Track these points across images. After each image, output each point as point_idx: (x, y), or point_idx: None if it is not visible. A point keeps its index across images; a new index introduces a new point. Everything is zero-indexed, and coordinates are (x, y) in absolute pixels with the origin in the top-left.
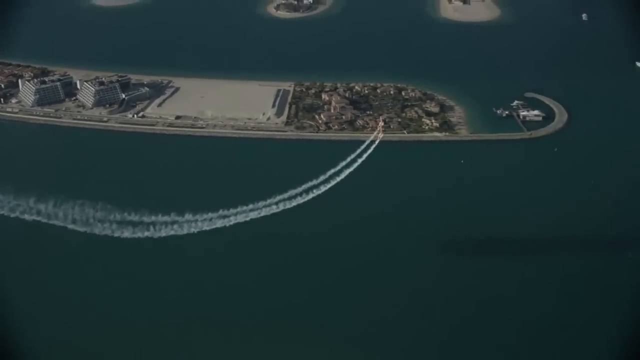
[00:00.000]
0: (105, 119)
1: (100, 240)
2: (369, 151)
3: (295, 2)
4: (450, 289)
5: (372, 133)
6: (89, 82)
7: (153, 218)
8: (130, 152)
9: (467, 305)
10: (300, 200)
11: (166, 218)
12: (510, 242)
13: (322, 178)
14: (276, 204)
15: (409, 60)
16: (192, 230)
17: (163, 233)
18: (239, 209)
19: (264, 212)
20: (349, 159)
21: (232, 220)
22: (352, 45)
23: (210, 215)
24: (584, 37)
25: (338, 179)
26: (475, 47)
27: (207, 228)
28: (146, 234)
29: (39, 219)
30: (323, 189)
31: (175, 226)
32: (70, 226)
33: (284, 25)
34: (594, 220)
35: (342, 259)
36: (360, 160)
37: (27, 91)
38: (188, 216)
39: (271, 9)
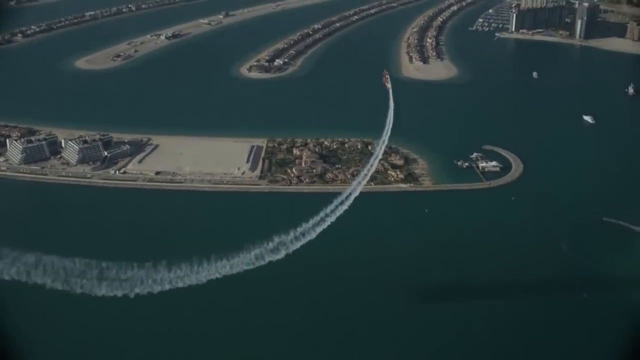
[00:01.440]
0: (88, 175)
1: (79, 298)
2: (348, 203)
3: (267, 64)
4: (406, 335)
5: (343, 185)
6: (73, 141)
7: (129, 273)
8: (112, 206)
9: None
10: (273, 256)
11: (142, 273)
12: (474, 287)
13: (293, 233)
14: (251, 259)
15: (375, 116)
16: (167, 287)
17: (140, 289)
18: (212, 266)
19: (237, 269)
20: (322, 214)
21: (204, 278)
22: (320, 103)
23: (184, 271)
24: (535, 93)
25: (313, 234)
26: (436, 104)
27: (182, 285)
28: (122, 292)
29: (18, 278)
30: (297, 244)
31: (150, 281)
32: (49, 284)
33: (256, 85)
34: (550, 263)
35: (315, 311)
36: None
37: (14, 150)
38: (164, 272)
39: (244, 71)
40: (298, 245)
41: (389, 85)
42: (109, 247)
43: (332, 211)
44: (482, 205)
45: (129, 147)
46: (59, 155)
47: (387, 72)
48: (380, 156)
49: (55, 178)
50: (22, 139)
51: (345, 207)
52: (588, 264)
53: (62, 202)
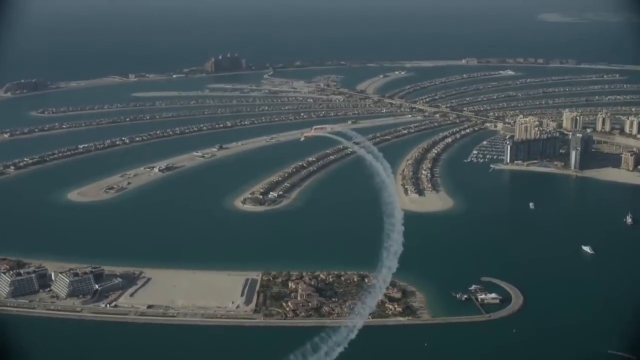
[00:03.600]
0: (78, 308)
1: None
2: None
3: (261, 197)
4: None
5: (340, 319)
6: (64, 274)
7: None
8: (101, 340)
9: None
10: None
11: None
12: None
13: None
14: None
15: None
16: None
17: None
18: None
19: None
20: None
21: None
22: (315, 236)
23: None
24: (533, 223)
25: None
26: (433, 236)
27: None
28: None
29: None
30: None
31: None
32: None
33: (250, 218)
34: None
35: None
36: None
37: (2, 283)
38: None
39: (238, 203)
40: None
41: (312, 133)
42: None
43: (328, 353)
44: (483, 338)
45: (120, 280)
46: (48, 289)
47: (315, 129)
48: (382, 293)
49: (43, 312)
50: (11, 272)
51: (341, 348)
52: None
53: (49, 336)
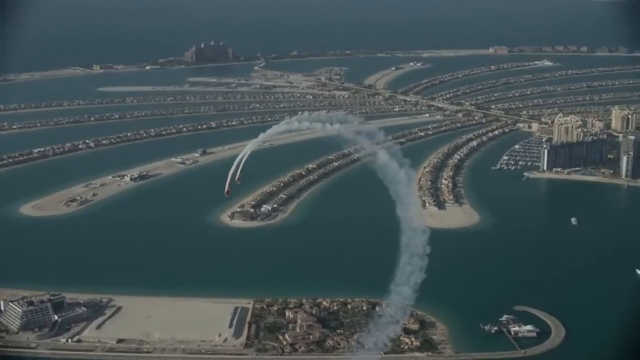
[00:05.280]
0: (33, 344)
1: None
2: None
3: (253, 210)
4: None
5: (346, 355)
6: (15, 303)
7: None
8: None
9: None
10: None
11: None
12: None
13: None
14: None
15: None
16: None
17: None
18: None
19: None
20: None
21: None
22: (317, 257)
23: None
24: (576, 243)
25: None
26: (455, 257)
27: None
28: None
29: None
30: None
31: None
32: None
33: (240, 236)
34: None
35: None
36: None
37: None
38: None
39: (225, 218)
40: None
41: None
42: None
43: None
44: None
45: (85, 309)
46: None
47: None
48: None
49: None
50: None
51: None
52: None
53: None
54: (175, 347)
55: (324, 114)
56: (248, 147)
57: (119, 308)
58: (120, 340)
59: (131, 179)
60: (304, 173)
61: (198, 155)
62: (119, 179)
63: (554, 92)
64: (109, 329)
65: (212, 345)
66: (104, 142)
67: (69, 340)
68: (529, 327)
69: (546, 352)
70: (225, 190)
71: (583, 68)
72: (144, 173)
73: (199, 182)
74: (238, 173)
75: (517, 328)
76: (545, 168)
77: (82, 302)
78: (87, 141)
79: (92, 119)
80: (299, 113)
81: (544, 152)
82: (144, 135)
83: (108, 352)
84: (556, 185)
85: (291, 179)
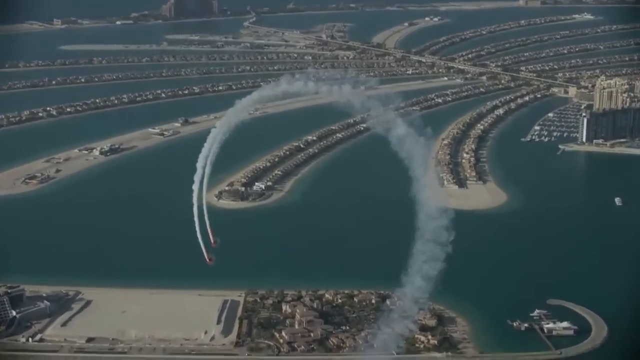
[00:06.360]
0: None
1: None
2: None
3: (243, 189)
4: None
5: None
6: None
7: None
8: None
9: None
10: None
11: None
12: None
13: None
14: None
15: (394, 259)
16: None
17: None
18: None
19: None
20: None
21: None
22: (318, 243)
23: None
24: (620, 226)
25: None
26: (478, 243)
27: None
28: None
29: None
30: None
31: None
32: None
33: (229, 218)
34: None
35: None
36: None
37: None
38: None
39: (212, 198)
40: None
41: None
42: None
43: None
44: None
45: (48, 304)
46: None
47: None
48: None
49: None
50: None
51: None
52: None
53: None
54: (155, 347)
55: (325, 74)
56: (216, 132)
57: (88, 302)
58: (90, 339)
59: (101, 153)
60: (302, 146)
61: (179, 125)
62: (86, 152)
63: (595, 51)
64: (77, 327)
65: (198, 344)
66: (68, 109)
67: (30, 339)
68: (565, 324)
69: (585, 352)
70: (207, 258)
71: (630, 22)
72: (116, 146)
73: (180, 156)
74: (210, 236)
75: (551, 325)
76: (584, 140)
77: (44, 295)
78: (48, 109)
79: (54, 82)
80: (295, 76)
81: (583, 122)
82: (116, 102)
83: (76, 352)
84: (597, 160)
85: (287, 152)
